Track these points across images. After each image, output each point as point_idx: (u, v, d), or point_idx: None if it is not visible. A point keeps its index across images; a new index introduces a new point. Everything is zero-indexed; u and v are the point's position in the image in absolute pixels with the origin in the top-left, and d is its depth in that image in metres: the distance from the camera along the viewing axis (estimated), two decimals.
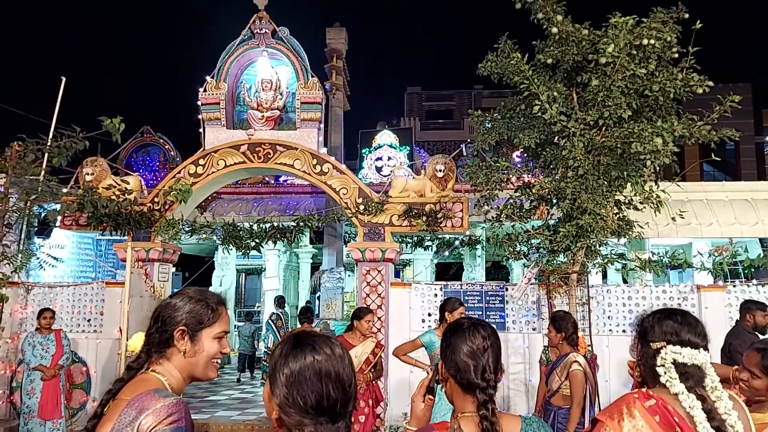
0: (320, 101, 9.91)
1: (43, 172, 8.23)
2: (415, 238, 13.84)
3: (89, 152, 8.89)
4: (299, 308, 9.84)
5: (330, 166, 9.58)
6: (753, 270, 10.55)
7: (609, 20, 6.60)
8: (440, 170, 9.35)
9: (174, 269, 10.45)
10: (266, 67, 10.22)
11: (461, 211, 9.21)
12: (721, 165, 23.73)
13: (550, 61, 7.07)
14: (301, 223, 10.17)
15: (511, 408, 8.53)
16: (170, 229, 9.56)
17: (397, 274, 18.05)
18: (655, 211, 7.16)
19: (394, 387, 8.59)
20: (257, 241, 10.15)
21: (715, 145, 6.76)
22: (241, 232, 10.21)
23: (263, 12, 9.97)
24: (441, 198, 9.24)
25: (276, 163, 9.67)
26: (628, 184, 7.17)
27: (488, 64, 7.35)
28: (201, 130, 10.04)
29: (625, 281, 12.10)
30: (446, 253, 13.83)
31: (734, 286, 8.83)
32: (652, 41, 6.48)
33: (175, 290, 10.64)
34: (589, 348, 7.05)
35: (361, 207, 9.36)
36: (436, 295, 9.10)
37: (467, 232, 10.40)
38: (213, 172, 9.73)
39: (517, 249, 7.95)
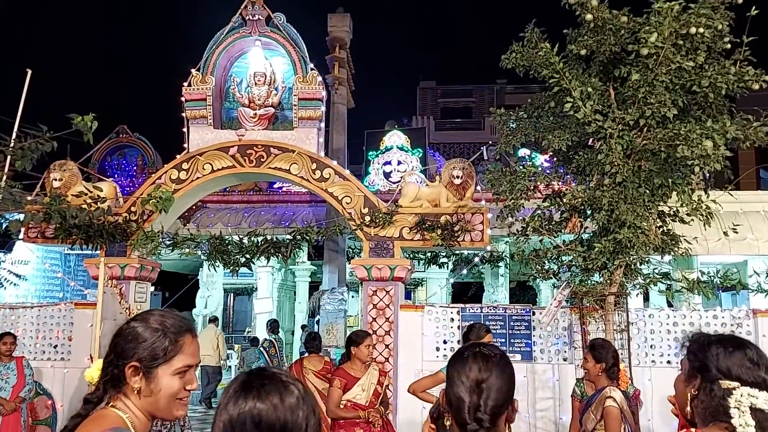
0: (320, 97, 9.97)
1: (4, 178, 8.29)
2: (429, 255, 13.81)
3: (57, 155, 8.95)
4: (306, 334, 9.83)
5: (331, 172, 9.62)
6: None
7: (651, 6, 6.62)
8: (458, 176, 9.36)
9: (153, 288, 10.49)
10: (259, 59, 10.29)
11: (481, 223, 9.21)
12: None
13: (583, 52, 7.09)
14: (299, 237, 10.18)
15: None
16: (149, 243, 9.60)
17: (408, 296, 18.06)
18: (704, 225, 7.13)
19: (405, 428, 8.54)
20: (248, 256, 10.16)
21: None
22: (229, 247, 10.23)
23: None
24: (458, 208, 9.24)
25: (270, 168, 9.71)
26: (674, 194, 7.16)
27: (513, 56, 7.38)
28: (184, 129, 10.11)
29: (669, 305, 12.04)
30: (464, 272, 13.80)
31: None
32: (701, 30, 6.49)
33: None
34: (631, 382, 7.01)
35: (367, 218, 9.37)
36: (452, 319, 9.09)
37: (488, 248, 10.39)
38: (198, 178, 9.78)
39: (546, 267, 7.94)
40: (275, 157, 9.70)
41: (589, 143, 7.53)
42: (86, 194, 9.26)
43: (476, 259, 12.53)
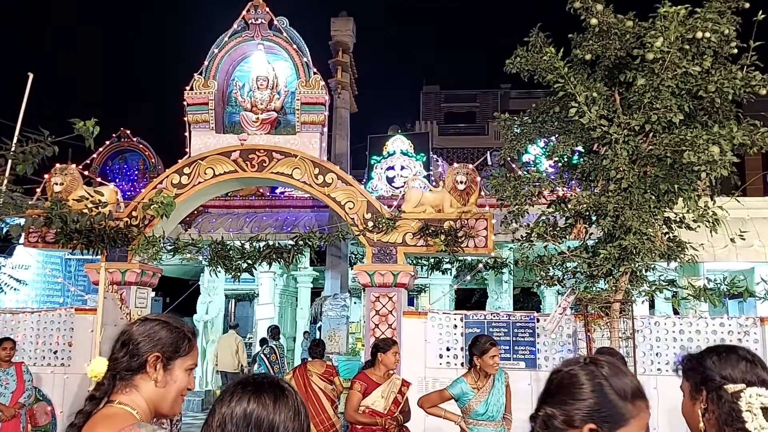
0: (323, 102, 9.97)
1: (5, 182, 8.30)
2: (432, 261, 13.81)
3: (58, 159, 8.97)
4: (310, 341, 9.90)
5: (334, 177, 9.62)
6: None
7: (657, 11, 6.62)
8: (461, 182, 9.36)
9: (153, 294, 10.50)
10: (262, 63, 10.31)
11: (485, 229, 9.20)
12: None
13: (588, 56, 7.10)
14: (301, 242, 10.19)
15: None
16: (150, 248, 9.60)
17: (410, 302, 18.03)
18: (711, 231, 7.12)
19: None
20: (249, 262, 10.17)
21: None
22: (231, 252, 10.24)
23: (259, 0, 10.08)
24: (462, 214, 9.23)
25: (272, 173, 9.71)
26: (680, 200, 7.15)
27: (517, 60, 7.40)
28: (186, 134, 10.12)
29: (675, 312, 12.00)
30: (468, 278, 13.78)
31: None
32: (708, 34, 6.50)
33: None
34: None
35: (370, 224, 9.37)
36: (455, 326, 9.08)
37: (492, 254, 10.37)
38: (200, 183, 9.79)
39: (550, 273, 7.93)
40: (277, 161, 9.70)
41: (595, 149, 7.53)
42: (87, 199, 9.28)
43: (480, 266, 12.50)
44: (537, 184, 7.69)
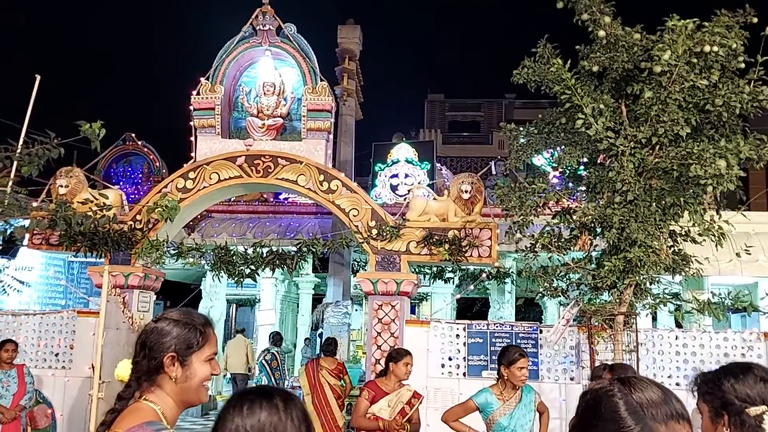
0: (330, 109, 10.00)
1: (10, 183, 8.32)
2: (435, 269, 13.81)
3: (63, 161, 8.99)
4: (324, 339, 10.05)
5: (339, 184, 9.62)
6: None
7: (665, 24, 6.63)
8: (466, 191, 9.36)
9: (155, 297, 10.50)
10: (269, 69, 10.35)
11: (489, 239, 9.19)
12: None
13: (595, 68, 7.11)
14: (305, 249, 10.18)
15: None
16: (153, 252, 9.60)
17: (412, 310, 18.01)
18: (716, 245, 7.12)
19: None
20: (253, 267, 10.15)
21: None
22: (234, 257, 10.23)
23: (267, 6, 10.12)
24: (467, 223, 9.23)
25: (277, 179, 9.72)
26: (685, 213, 7.14)
27: (525, 71, 7.40)
28: (192, 138, 10.15)
29: (678, 325, 11.99)
30: (471, 288, 13.78)
31: None
32: (715, 48, 6.50)
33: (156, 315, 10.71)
34: None
35: (374, 231, 9.36)
36: (458, 335, 9.06)
37: (496, 264, 10.36)
38: (204, 187, 9.80)
39: (554, 285, 7.92)
40: (283, 167, 9.71)
41: (601, 160, 7.53)
42: (92, 201, 9.31)
43: (483, 276, 12.49)
44: (542, 194, 7.68)
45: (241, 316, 22.63)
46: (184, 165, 10.00)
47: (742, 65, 6.79)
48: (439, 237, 9.21)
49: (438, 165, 18.27)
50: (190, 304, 14.52)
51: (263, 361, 12.17)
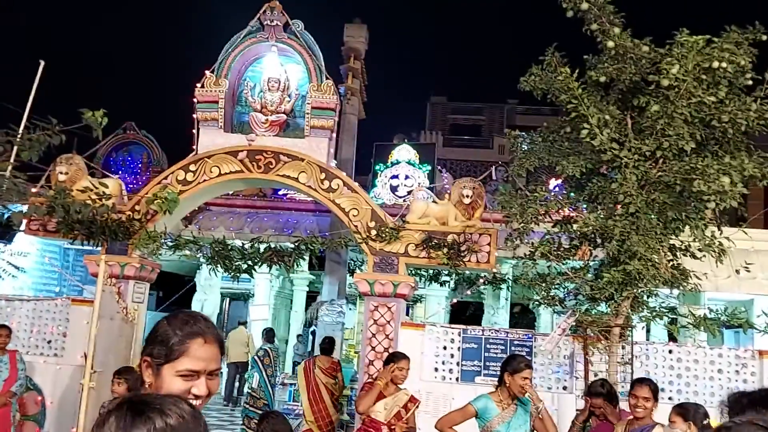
0: (334, 107, 9.96)
1: (9, 168, 8.29)
2: (431, 272, 13.80)
3: (64, 148, 8.95)
4: (322, 338, 10.07)
5: (340, 183, 9.60)
6: None
7: (675, 38, 6.64)
8: (467, 196, 9.34)
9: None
10: (274, 64, 10.30)
11: (489, 244, 9.18)
12: None
13: (603, 79, 7.11)
14: (302, 246, 10.14)
15: None
16: (151, 243, 9.57)
17: (406, 312, 18.02)
18: (716, 261, 7.12)
19: None
20: (250, 263, 10.12)
21: None
22: (231, 252, 10.19)
23: (275, 1, 10.08)
24: (467, 228, 9.22)
25: (278, 175, 9.70)
26: (687, 228, 7.15)
27: (532, 78, 7.41)
28: (194, 131, 10.11)
29: (672, 339, 12.00)
30: (468, 292, 13.77)
31: None
32: (724, 64, 6.52)
33: (149, 313, 10.61)
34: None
35: (374, 232, 9.34)
36: (453, 340, 9.05)
37: (493, 270, 10.35)
38: (205, 181, 9.77)
39: (551, 293, 7.92)
40: (284, 164, 9.69)
41: (604, 171, 7.53)
42: (91, 190, 9.27)
43: (480, 281, 12.49)
44: (544, 203, 7.68)
45: (235, 310, 22.59)
46: (184, 157, 9.97)
47: (750, 82, 6.80)
48: (438, 241, 9.20)
49: (438, 168, 18.28)
50: (184, 296, 14.50)
51: (255, 358, 12.14)
